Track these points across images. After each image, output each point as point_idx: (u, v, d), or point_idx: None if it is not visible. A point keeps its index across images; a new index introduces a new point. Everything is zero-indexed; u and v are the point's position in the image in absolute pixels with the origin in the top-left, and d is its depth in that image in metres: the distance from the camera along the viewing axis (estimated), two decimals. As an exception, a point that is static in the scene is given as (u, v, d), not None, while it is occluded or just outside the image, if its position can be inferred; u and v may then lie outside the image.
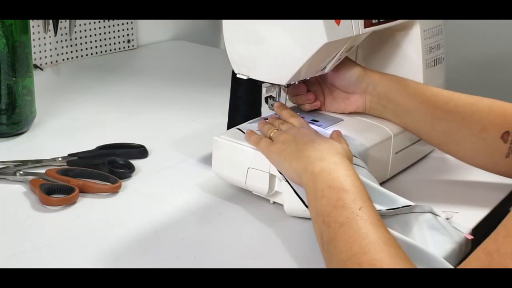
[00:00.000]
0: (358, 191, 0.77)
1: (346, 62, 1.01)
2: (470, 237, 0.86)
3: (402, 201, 0.87)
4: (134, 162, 1.05)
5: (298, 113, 1.04)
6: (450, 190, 1.03)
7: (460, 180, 1.06)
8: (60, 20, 1.52)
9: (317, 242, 0.78)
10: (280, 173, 0.89)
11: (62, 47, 1.58)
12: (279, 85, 0.98)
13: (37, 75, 1.21)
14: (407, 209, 0.85)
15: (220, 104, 1.18)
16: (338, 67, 1.00)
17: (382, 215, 0.81)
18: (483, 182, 1.05)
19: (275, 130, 0.93)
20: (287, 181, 0.88)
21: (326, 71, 0.99)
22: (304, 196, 0.84)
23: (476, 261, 0.63)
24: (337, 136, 0.92)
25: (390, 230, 0.75)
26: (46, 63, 1.55)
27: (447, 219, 0.89)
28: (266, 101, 1.03)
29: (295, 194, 0.87)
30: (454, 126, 0.95)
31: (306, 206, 0.84)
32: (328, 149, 0.85)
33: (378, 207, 0.82)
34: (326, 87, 1.04)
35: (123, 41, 1.73)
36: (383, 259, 0.68)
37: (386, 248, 0.69)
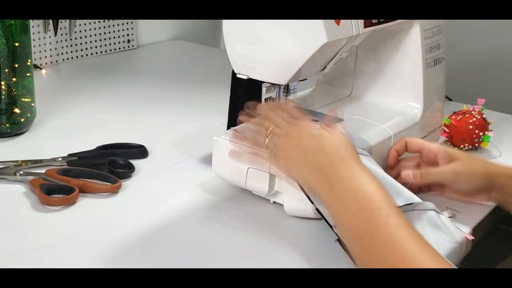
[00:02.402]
0: (380, 195, 0.74)
1: (466, 166, 0.94)
2: (471, 237, 0.86)
3: (406, 196, 0.86)
4: (134, 162, 1.05)
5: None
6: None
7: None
8: (60, 20, 1.52)
9: (316, 242, 0.78)
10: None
11: (62, 47, 1.58)
12: (279, 85, 0.98)
13: (37, 75, 1.21)
14: (410, 207, 0.85)
15: (220, 104, 1.18)
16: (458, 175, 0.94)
17: None
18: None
19: (269, 137, 0.88)
20: (305, 194, 0.85)
21: (326, 71, 0.99)
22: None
23: None
24: (330, 122, 0.87)
25: None
26: (46, 63, 1.55)
27: (450, 217, 0.89)
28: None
29: (306, 200, 0.85)
30: None
31: (324, 218, 0.83)
32: (334, 149, 0.81)
33: None
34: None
35: (123, 41, 1.72)
36: (424, 262, 0.67)
37: (423, 252, 0.69)
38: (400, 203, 0.85)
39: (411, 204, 0.85)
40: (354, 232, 0.74)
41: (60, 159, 1.04)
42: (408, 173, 0.95)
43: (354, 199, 0.75)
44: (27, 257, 0.81)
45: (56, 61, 1.58)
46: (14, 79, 1.11)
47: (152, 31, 1.81)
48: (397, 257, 0.69)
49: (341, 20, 0.90)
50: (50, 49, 1.56)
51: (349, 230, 0.75)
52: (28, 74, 1.14)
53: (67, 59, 1.60)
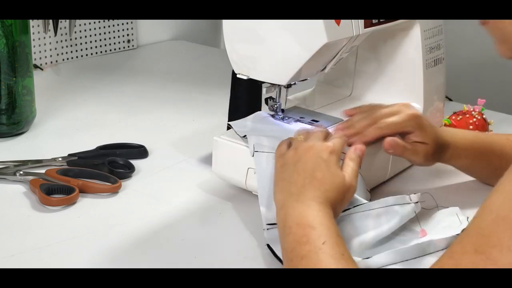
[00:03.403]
0: (325, 228, 0.74)
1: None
2: (424, 233, 0.85)
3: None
4: (134, 162, 1.05)
5: (299, 115, 1.04)
6: (450, 190, 1.03)
7: (460, 180, 1.06)
8: (60, 20, 1.52)
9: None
10: None
11: (62, 47, 1.58)
12: (279, 85, 0.98)
13: (37, 75, 1.21)
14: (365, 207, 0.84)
15: (220, 104, 1.18)
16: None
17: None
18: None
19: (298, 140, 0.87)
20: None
21: (326, 71, 0.99)
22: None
23: None
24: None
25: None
26: (46, 63, 1.55)
27: (416, 202, 0.87)
28: (266, 102, 1.03)
29: None
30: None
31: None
32: (314, 191, 0.79)
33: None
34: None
35: (123, 41, 1.72)
36: None
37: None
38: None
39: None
40: (288, 254, 0.74)
41: (60, 159, 1.04)
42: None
43: (299, 224, 0.75)
44: (27, 257, 0.81)
45: (56, 61, 1.58)
46: (14, 79, 1.11)
47: (152, 31, 1.81)
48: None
49: (341, 20, 0.90)
50: (50, 49, 1.56)
51: (286, 251, 0.75)
52: (28, 74, 1.14)
53: (67, 59, 1.60)
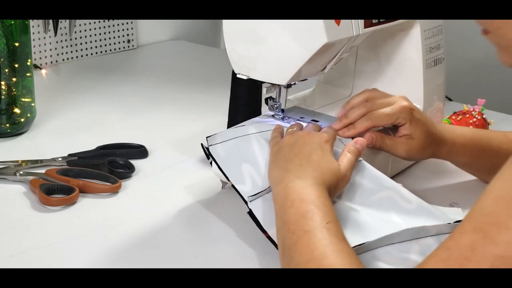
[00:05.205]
0: (328, 209, 0.75)
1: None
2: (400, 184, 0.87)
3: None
4: (134, 162, 1.05)
5: (299, 115, 1.04)
6: (450, 189, 1.03)
7: (460, 179, 1.06)
8: (60, 20, 1.52)
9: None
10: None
11: (62, 47, 1.58)
12: (279, 85, 0.98)
13: (37, 75, 1.21)
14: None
15: (220, 104, 1.18)
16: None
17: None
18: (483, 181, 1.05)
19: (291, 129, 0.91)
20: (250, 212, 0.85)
21: (326, 71, 0.99)
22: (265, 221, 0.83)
23: (435, 257, 0.62)
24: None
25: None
26: (46, 63, 1.56)
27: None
28: (266, 102, 1.03)
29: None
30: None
31: (263, 231, 0.83)
32: (312, 171, 0.81)
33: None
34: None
35: (123, 41, 1.73)
36: (343, 266, 0.68)
37: (348, 257, 0.69)
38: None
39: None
40: (290, 226, 0.74)
41: (60, 159, 1.04)
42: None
43: (302, 200, 0.76)
44: (27, 257, 0.81)
45: (56, 61, 1.58)
46: (14, 79, 1.11)
47: (152, 31, 1.81)
48: (321, 255, 0.69)
49: (341, 20, 0.90)
50: (50, 49, 1.56)
51: (287, 223, 0.75)
52: (28, 74, 1.14)
53: (67, 59, 1.60)
